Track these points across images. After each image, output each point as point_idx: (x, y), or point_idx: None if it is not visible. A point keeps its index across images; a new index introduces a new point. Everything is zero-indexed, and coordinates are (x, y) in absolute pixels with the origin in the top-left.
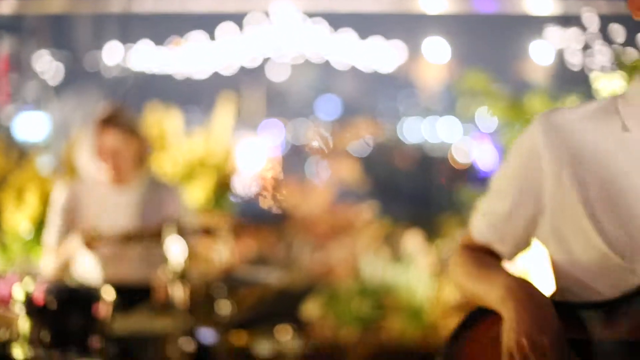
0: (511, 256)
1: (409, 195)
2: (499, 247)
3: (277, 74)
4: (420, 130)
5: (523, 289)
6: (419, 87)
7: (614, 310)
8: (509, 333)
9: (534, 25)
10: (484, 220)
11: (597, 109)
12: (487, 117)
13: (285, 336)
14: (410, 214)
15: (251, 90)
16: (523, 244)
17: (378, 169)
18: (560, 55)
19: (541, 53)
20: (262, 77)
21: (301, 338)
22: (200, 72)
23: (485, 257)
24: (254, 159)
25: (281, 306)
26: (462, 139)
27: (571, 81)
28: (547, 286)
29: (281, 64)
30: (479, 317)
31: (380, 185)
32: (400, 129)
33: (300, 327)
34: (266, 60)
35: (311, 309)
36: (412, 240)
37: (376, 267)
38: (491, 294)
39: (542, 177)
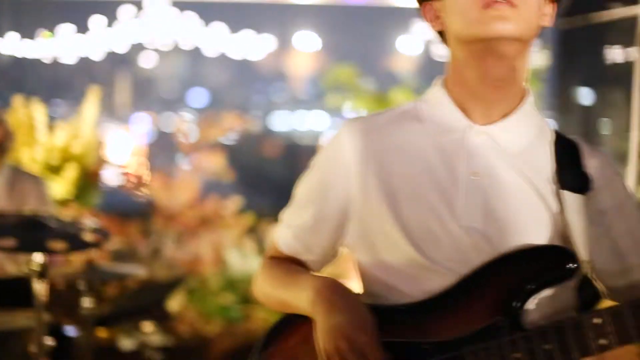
0: (320, 265)
1: (277, 187)
2: (307, 258)
3: (146, 64)
4: (290, 122)
5: (333, 290)
6: (289, 78)
7: (421, 311)
8: (325, 336)
9: (402, 18)
10: (289, 232)
11: (401, 114)
12: (353, 110)
13: (150, 330)
14: (278, 206)
15: (120, 80)
16: (331, 253)
17: (245, 160)
18: (427, 48)
19: (409, 46)
20: (131, 67)
21: (165, 332)
22: (69, 61)
23: (293, 265)
24: (120, 150)
25: (146, 300)
26: (331, 129)
27: (438, 74)
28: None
29: (151, 54)
30: (285, 326)
31: (248, 177)
32: (270, 120)
33: (165, 321)
34: (136, 50)
35: (176, 302)
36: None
37: (242, 260)
38: (301, 299)
39: (349, 184)
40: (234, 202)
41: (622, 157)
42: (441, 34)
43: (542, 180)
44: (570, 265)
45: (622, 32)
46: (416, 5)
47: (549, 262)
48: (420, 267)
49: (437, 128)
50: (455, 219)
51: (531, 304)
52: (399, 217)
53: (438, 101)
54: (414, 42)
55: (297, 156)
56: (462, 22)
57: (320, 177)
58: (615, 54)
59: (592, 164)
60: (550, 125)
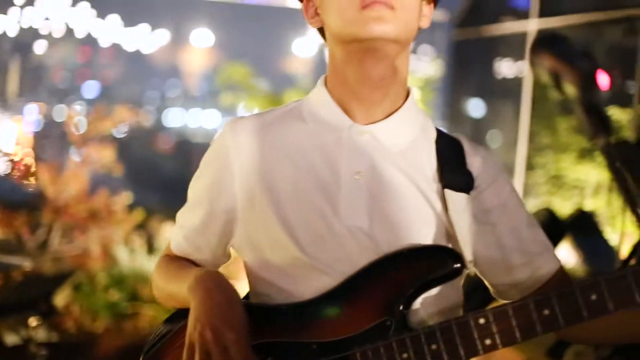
0: (211, 266)
1: (167, 183)
2: (197, 257)
3: (39, 51)
4: (183, 118)
5: (212, 280)
6: (183, 74)
7: (308, 311)
8: (194, 322)
9: (298, 19)
10: (180, 233)
11: (283, 114)
12: (247, 110)
13: (35, 325)
14: (168, 203)
15: (11, 67)
16: (221, 253)
17: (136, 155)
18: (321, 50)
19: (304, 48)
20: (23, 55)
21: (51, 327)
22: None
23: (184, 262)
24: (6, 138)
25: (31, 294)
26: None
27: None
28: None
29: (44, 42)
30: (173, 326)
31: (138, 173)
32: (162, 115)
33: (51, 316)
34: (29, 37)
35: (62, 297)
36: (169, 230)
37: (130, 257)
38: (183, 288)
39: (233, 185)
40: (123, 198)
41: (509, 170)
42: (321, 31)
43: (425, 179)
44: (455, 265)
45: (513, 47)
46: None
47: (433, 261)
48: (306, 268)
49: (319, 128)
50: (339, 219)
51: (418, 303)
52: (283, 217)
53: (320, 100)
54: (309, 44)
55: (189, 153)
56: (340, 22)
57: (207, 178)
58: (506, 67)
59: (475, 162)
60: (432, 124)
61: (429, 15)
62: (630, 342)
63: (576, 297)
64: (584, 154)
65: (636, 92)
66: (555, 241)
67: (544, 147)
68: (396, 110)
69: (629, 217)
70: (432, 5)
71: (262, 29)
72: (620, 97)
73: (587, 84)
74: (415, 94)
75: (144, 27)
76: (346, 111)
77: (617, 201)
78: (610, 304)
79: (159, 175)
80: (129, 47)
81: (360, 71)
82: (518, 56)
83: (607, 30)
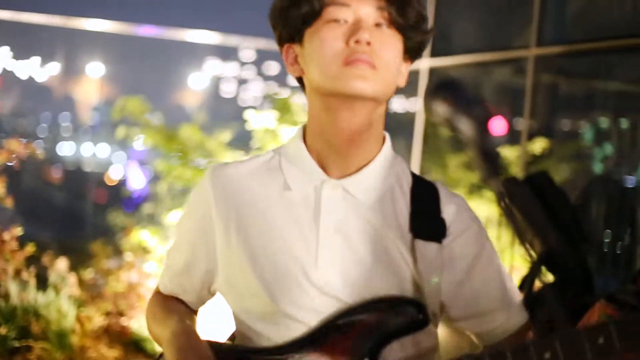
0: (197, 305)
1: (60, 217)
2: (184, 297)
3: None
4: (76, 151)
5: (186, 339)
6: (76, 105)
7: (278, 357)
8: None
9: (193, 53)
10: (167, 273)
11: (263, 164)
12: (141, 144)
13: None
14: (60, 237)
15: None
16: (206, 294)
17: (28, 188)
18: (216, 85)
19: (199, 82)
20: None
21: None
22: None
23: (172, 302)
24: None
25: None
26: (118, 162)
27: (226, 113)
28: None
29: None
30: None
31: (29, 205)
32: (56, 148)
33: None
34: None
35: None
36: (59, 265)
37: (22, 291)
38: (163, 337)
39: (213, 233)
40: (14, 232)
41: None
42: (299, 79)
43: (398, 230)
44: (419, 316)
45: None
46: (208, 41)
47: (397, 313)
48: (282, 318)
49: (294, 181)
50: (313, 275)
51: (389, 350)
52: (257, 271)
53: (296, 153)
54: (203, 77)
55: (81, 184)
56: (322, 75)
57: (189, 223)
58: (397, 103)
59: (449, 210)
60: (408, 171)
61: (406, 73)
62: None
63: (530, 355)
64: (474, 190)
65: (524, 130)
66: None
67: None
68: (369, 162)
69: (518, 251)
70: (409, 63)
71: (156, 61)
72: (509, 135)
73: (482, 129)
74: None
75: (34, 60)
76: (322, 163)
77: (506, 236)
78: None
79: (51, 208)
80: (22, 77)
81: (336, 123)
82: (409, 93)
83: (496, 70)
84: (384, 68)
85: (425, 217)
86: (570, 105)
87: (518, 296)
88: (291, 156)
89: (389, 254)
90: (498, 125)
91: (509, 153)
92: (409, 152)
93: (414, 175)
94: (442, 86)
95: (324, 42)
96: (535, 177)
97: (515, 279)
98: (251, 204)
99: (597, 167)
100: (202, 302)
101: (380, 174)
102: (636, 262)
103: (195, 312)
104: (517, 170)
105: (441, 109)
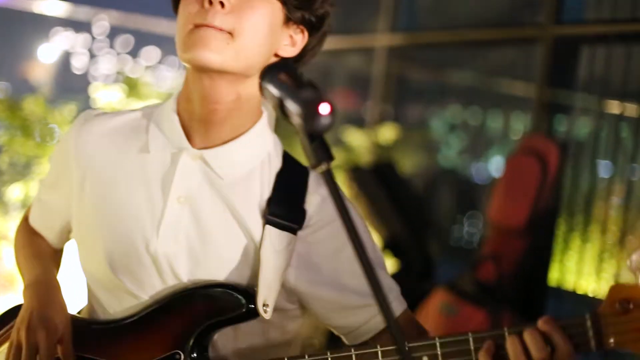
0: (57, 245)
1: None
2: (45, 234)
3: None
4: None
5: (43, 287)
6: None
7: (108, 332)
8: (18, 321)
9: (43, 25)
10: (36, 207)
11: (130, 122)
12: None
13: None
14: None
15: None
16: (66, 238)
17: None
18: (66, 58)
19: (47, 54)
20: None
21: None
22: None
23: (41, 242)
24: None
25: None
26: None
27: (73, 87)
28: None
29: None
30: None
31: None
32: None
33: None
34: None
35: None
36: None
37: None
38: (25, 277)
39: (70, 180)
40: None
41: None
42: None
43: (251, 213)
44: (248, 307)
45: None
46: (58, 13)
47: (226, 301)
48: (117, 287)
49: (157, 144)
50: (153, 244)
51: (220, 338)
52: (103, 231)
53: (165, 117)
54: (52, 50)
55: None
56: (177, 42)
57: (53, 168)
58: None
59: (313, 200)
60: (280, 154)
61: (299, 44)
62: None
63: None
64: None
65: (372, 118)
66: None
67: None
68: (237, 136)
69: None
70: (302, 34)
71: (5, 32)
72: (359, 123)
73: (310, 112)
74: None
75: None
76: (187, 133)
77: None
78: None
79: None
80: None
81: (200, 92)
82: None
83: (347, 57)
84: (246, 35)
85: (286, 204)
86: (420, 95)
87: (391, 286)
88: (159, 119)
89: (237, 237)
90: (326, 109)
91: (358, 141)
92: None
93: (288, 158)
94: (274, 66)
95: (183, 6)
96: (382, 167)
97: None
98: (108, 163)
99: (445, 157)
100: (61, 243)
101: (247, 151)
102: (477, 252)
103: (59, 251)
104: (365, 159)
105: (272, 89)
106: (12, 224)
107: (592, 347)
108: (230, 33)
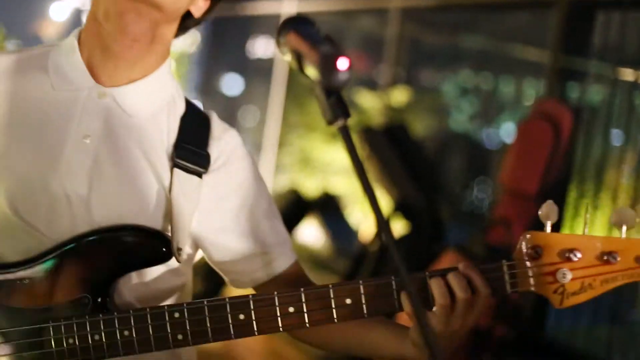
0: None
1: None
2: None
3: None
4: None
5: None
6: None
7: (8, 273)
8: None
9: None
10: None
11: (28, 59)
12: None
13: None
14: None
15: None
16: None
17: None
18: (77, 16)
19: (59, 12)
20: None
21: None
22: None
23: None
24: None
25: None
26: None
27: None
28: None
29: None
30: None
31: None
32: None
33: None
34: None
35: None
36: None
37: None
38: None
39: None
40: None
41: (260, 147)
42: None
43: (158, 155)
44: (161, 250)
45: (268, 27)
46: None
47: (138, 244)
48: (16, 227)
49: (59, 83)
50: (58, 182)
51: (127, 283)
52: (4, 170)
53: (68, 53)
54: (64, 8)
55: None
56: None
57: None
58: (260, 46)
59: (216, 144)
60: (182, 99)
61: (203, 8)
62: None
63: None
64: (333, 136)
65: (386, 80)
66: (298, 220)
67: (295, 126)
68: (144, 76)
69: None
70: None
71: None
72: (371, 85)
73: (327, 67)
74: (171, 65)
75: None
76: (92, 71)
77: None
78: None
79: None
80: None
81: (119, 24)
82: (272, 36)
83: (360, 19)
84: None
85: (190, 148)
86: (433, 58)
87: (285, 237)
88: (61, 57)
89: (145, 177)
90: (344, 64)
91: (370, 103)
92: (268, 96)
93: (188, 102)
94: (292, 20)
95: None
96: (394, 129)
97: (366, 226)
98: (8, 103)
99: (457, 122)
100: None
101: (154, 92)
102: (486, 216)
103: None
104: (377, 121)
105: (290, 43)
106: None
107: (508, 290)
108: None
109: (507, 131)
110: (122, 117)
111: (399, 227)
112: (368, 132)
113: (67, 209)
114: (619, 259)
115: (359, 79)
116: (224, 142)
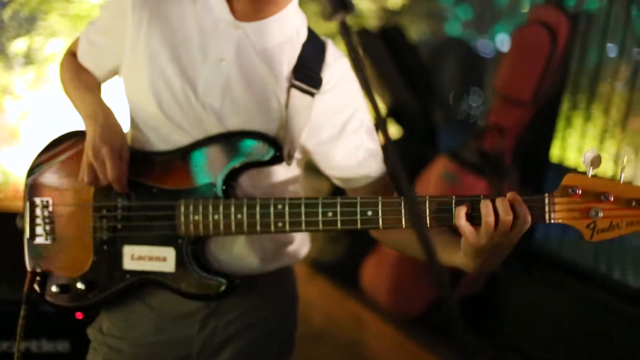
0: (102, 81)
1: None
2: (93, 71)
3: None
4: None
5: (104, 116)
6: None
7: (157, 160)
8: (87, 145)
9: None
10: (85, 46)
11: None
12: None
13: None
14: None
15: None
16: (111, 76)
17: None
18: None
19: None
20: None
21: None
22: None
23: (89, 75)
24: None
25: None
26: None
27: None
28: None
29: None
30: (65, 139)
31: None
32: None
33: None
34: None
35: None
36: None
37: None
38: (81, 109)
39: (125, 27)
40: None
41: None
42: None
43: (280, 77)
44: (275, 153)
45: None
46: None
47: (256, 146)
48: (162, 124)
49: (204, 11)
50: (197, 93)
51: (247, 177)
52: (153, 75)
53: None
54: None
55: None
56: None
57: (109, 14)
58: None
59: (329, 69)
60: (306, 28)
61: None
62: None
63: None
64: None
65: None
66: None
67: None
68: (274, 13)
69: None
70: None
71: None
72: None
73: None
74: None
75: None
76: (231, 6)
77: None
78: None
79: None
80: None
81: None
82: None
83: None
84: None
85: (307, 72)
86: None
87: (379, 152)
88: None
89: (267, 94)
90: None
91: (365, 4)
92: None
93: (310, 31)
94: None
95: None
96: (389, 32)
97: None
98: (163, 19)
99: (452, 28)
100: (106, 79)
101: (280, 27)
102: (479, 124)
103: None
104: (373, 23)
105: None
106: (15, 78)
107: (546, 219)
108: None
109: (501, 40)
110: (251, 46)
111: (392, 131)
112: (363, 34)
113: (204, 116)
114: None
115: None
116: (335, 68)
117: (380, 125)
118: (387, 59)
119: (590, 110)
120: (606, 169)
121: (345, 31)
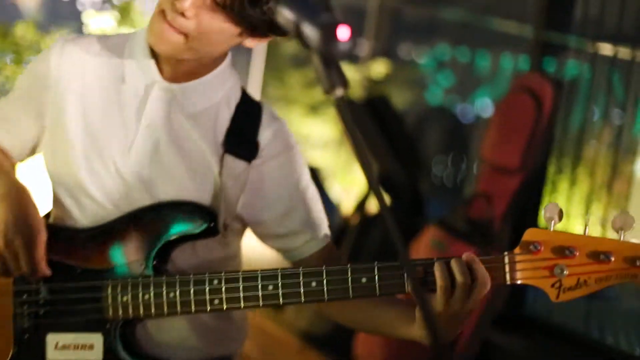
0: (18, 159)
1: None
2: (10, 149)
3: None
4: None
5: (16, 197)
6: None
7: (79, 237)
8: None
9: None
10: (1, 124)
11: (109, 49)
12: None
13: None
14: None
15: None
16: (28, 154)
17: None
18: None
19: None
20: None
21: None
22: None
23: (3, 156)
24: None
25: None
26: None
27: (64, 14)
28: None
29: None
30: None
31: None
32: None
33: None
34: None
35: None
36: None
37: None
38: None
39: (48, 100)
40: None
41: None
42: None
43: (212, 141)
44: (209, 225)
45: None
46: None
47: (189, 218)
48: (87, 198)
49: (132, 73)
50: (123, 162)
51: (180, 253)
52: (74, 146)
53: (140, 45)
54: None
55: None
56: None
57: (25, 85)
58: None
59: (266, 133)
60: (239, 90)
61: (252, 44)
62: (376, 334)
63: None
64: (312, 109)
65: (366, 52)
66: None
67: (275, 99)
68: (204, 74)
69: (357, 173)
70: (257, 39)
71: None
72: (351, 57)
73: (327, 36)
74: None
75: None
76: (159, 66)
77: (343, 156)
78: (379, 290)
79: None
80: None
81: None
82: None
83: None
84: (200, 41)
85: (241, 136)
86: (412, 31)
87: (324, 220)
88: (134, 49)
89: (197, 163)
90: (344, 33)
91: (349, 75)
92: (248, 68)
93: (244, 93)
94: None
95: None
96: (375, 101)
97: (348, 200)
98: (89, 86)
99: (435, 95)
100: (23, 157)
101: (211, 89)
102: (468, 189)
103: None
104: (357, 93)
105: (287, 13)
106: None
107: (507, 280)
108: (186, 35)
109: (482, 105)
110: (181, 109)
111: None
112: (348, 105)
113: (132, 188)
114: (612, 259)
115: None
116: (271, 131)
117: (375, 192)
118: (373, 129)
119: (575, 173)
120: (595, 233)
121: (342, 106)
